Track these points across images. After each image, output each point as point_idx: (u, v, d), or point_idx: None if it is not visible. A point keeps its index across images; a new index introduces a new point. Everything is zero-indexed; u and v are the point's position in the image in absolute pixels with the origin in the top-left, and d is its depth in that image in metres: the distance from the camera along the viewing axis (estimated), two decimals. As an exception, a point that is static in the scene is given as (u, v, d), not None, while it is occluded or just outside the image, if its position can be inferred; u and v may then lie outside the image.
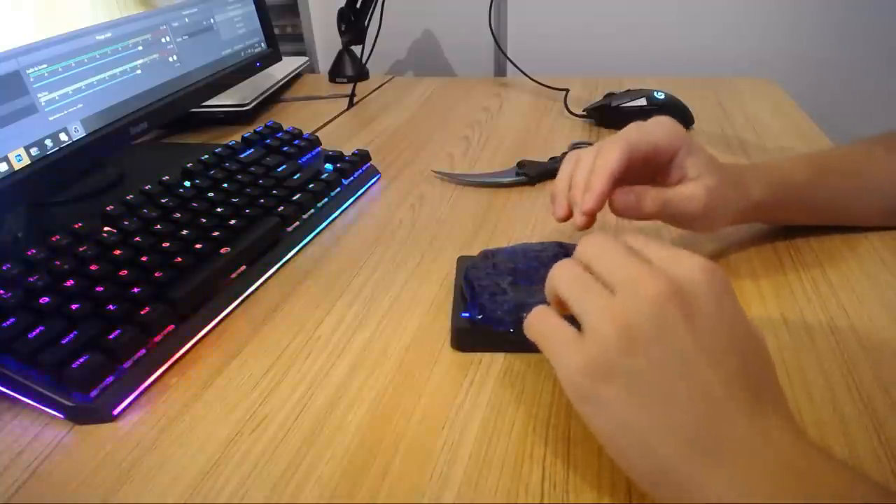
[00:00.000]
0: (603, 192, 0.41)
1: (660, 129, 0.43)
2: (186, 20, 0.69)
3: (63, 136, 0.52)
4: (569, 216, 0.43)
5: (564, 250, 0.46)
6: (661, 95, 0.77)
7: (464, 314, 0.41)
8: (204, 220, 0.52)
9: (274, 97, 0.98)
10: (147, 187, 0.55)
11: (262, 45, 0.84)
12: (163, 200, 0.53)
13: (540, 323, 0.31)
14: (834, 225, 0.52)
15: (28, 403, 0.37)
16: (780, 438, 0.26)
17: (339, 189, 0.62)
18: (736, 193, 0.45)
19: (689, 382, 0.26)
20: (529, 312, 0.32)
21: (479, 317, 0.40)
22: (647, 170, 0.43)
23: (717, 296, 0.28)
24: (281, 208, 0.55)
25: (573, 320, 0.30)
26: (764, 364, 0.29)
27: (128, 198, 0.53)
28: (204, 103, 0.72)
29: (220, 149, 0.64)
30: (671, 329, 0.27)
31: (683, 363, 0.27)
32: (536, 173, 0.65)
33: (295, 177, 0.61)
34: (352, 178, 0.65)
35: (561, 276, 0.31)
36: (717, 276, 0.29)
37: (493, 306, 0.40)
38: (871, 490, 0.25)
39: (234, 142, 0.66)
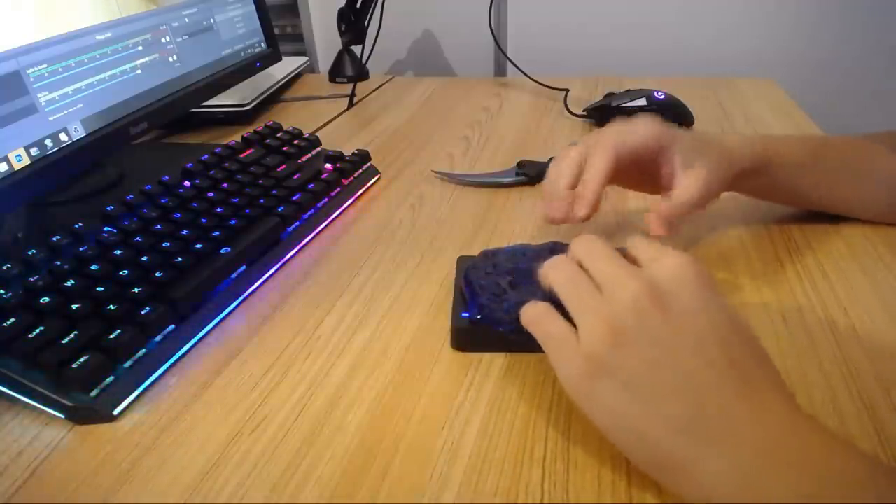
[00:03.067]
0: (594, 202, 0.44)
1: (641, 132, 0.45)
2: (186, 20, 0.69)
3: (63, 136, 0.52)
4: (564, 220, 0.45)
5: (564, 250, 0.46)
6: (661, 95, 0.76)
7: (464, 314, 0.41)
8: (204, 220, 0.52)
9: (274, 97, 0.98)
10: (147, 187, 0.55)
11: (262, 45, 0.84)
12: (163, 200, 0.53)
13: (542, 323, 0.33)
14: (826, 213, 0.52)
15: (28, 403, 0.37)
16: (772, 416, 0.28)
17: (339, 189, 0.62)
18: (723, 171, 0.46)
19: (675, 372, 0.28)
20: (528, 305, 0.34)
21: (479, 317, 0.40)
22: (634, 167, 0.46)
23: (691, 290, 0.30)
24: (281, 208, 0.55)
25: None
26: (750, 347, 0.30)
27: (128, 198, 0.53)
28: (204, 103, 0.72)
29: (220, 149, 0.64)
30: (651, 325, 0.29)
31: (667, 355, 0.29)
32: (536, 173, 0.65)
33: (295, 177, 0.61)
34: (352, 178, 0.65)
35: (557, 278, 0.34)
36: (691, 272, 0.31)
37: (493, 306, 0.40)
38: (860, 461, 0.26)
39: (234, 142, 0.66)
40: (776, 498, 0.25)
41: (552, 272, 0.34)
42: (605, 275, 0.32)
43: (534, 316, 0.34)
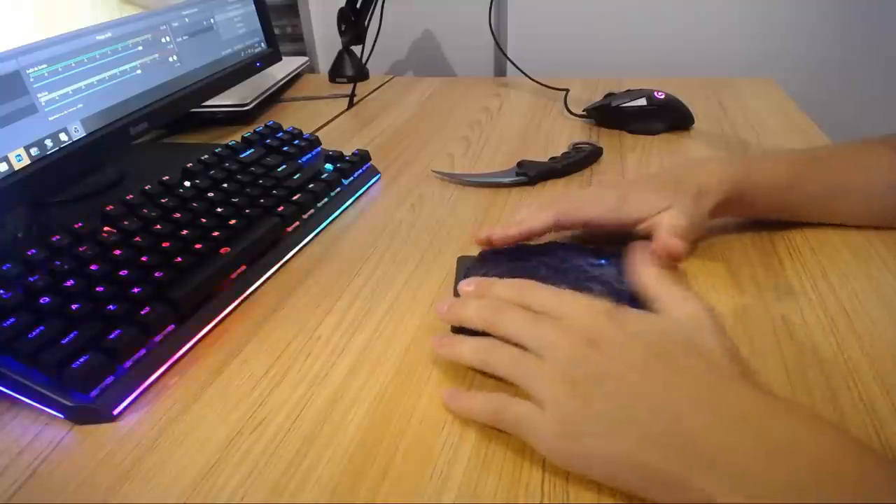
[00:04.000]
0: (510, 238, 0.47)
1: (593, 208, 0.48)
2: (186, 20, 0.69)
3: (63, 136, 0.52)
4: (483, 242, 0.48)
5: (564, 250, 0.46)
6: (661, 95, 0.76)
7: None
8: (204, 220, 0.52)
9: (274, 97, 0.98)
10: (147, 187, 0.55)
11: (262, 45, 0.84)
12: (163, 200, 0.53)
13: (502, 412, 0.34)
14: (818, 223, 0.52)
15: (28, 403, 0.37)
16: (747, 415, 0.28)
17: (339, 189, 0.62)
18: (698, 209, 0.46)
19: (637, 398, 0.29)
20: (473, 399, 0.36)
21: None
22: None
23: (613, 323, 0.33)
24: (281, 208, 0.55)
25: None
26: (688, 349, 0.31)
27: (128, 198, 0.53)
28: (204, 103, 0.72)
29: (220, 149, 0.64)
30: (597, 366, 0.31)
31: (622, 386, 0.30)
32: (536, 173, 0.65)
33: (295, 177, 0.61)
34: (352, 178, 0.65)
35: (497, 362, 0.35)
36: (603, 307, 0.34)
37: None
38: (843, 438, 0.27)
39: (234, 142, 0.66)
40: (778, 494, 0.25)
41: (490, 357, 0.35)
42: (532, 338, 0.34)
43: (491, 410, 0.34)
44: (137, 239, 0.48)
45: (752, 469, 0.26)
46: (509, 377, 0.34)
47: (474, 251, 0.49)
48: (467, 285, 0.40)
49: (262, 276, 0.50)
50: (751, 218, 0.53)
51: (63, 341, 0.38)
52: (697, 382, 0.30)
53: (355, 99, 0.97)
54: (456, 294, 0.44)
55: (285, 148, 0.67)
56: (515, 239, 0.47)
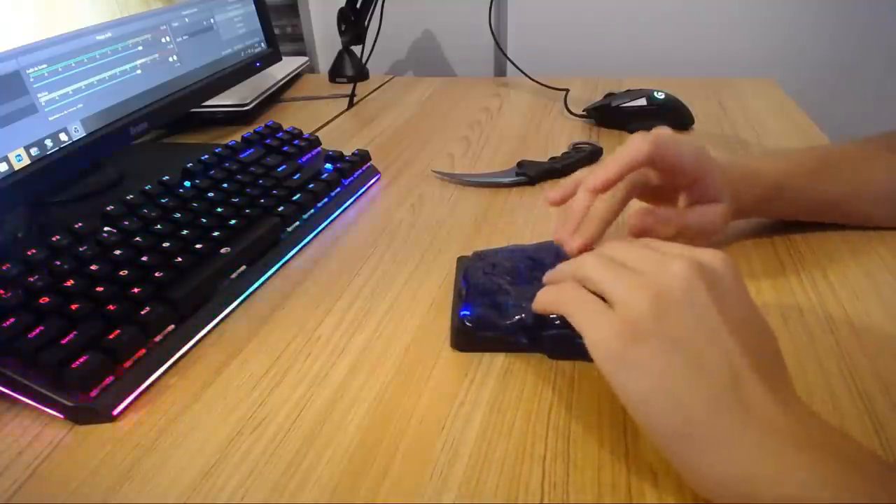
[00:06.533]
0: (612, 178, 0.40)
1: (686, 151, 0.43)
2: (186, 20, 0.69)
3: (63, 136, 0.53)
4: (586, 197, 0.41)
5: (562, 250, 0.46)
6: (661, 95, 0.76)
7: (462, 313, 0.41)
8: (204, 220, 0.52)
9: (274, 97, 0.98)
10: (147, 187, 0.55)
11: (262, 45, 0.84)
12: (163, 200, 0.53)
13: (566, 292, 0.33)
14: (834, 223, 0.52)
15: (28, 403, 0.37)
16: (797, 407, 0.28)
17: (339, 189, 0.62)
18: (734, 203, 0.46)
19: (716, 348, 0.28)
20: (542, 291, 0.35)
21: (479, 317, 0.40)
22: (665, 176, 0.44)
23: (734, 278, 0.31)
24: (281, 208, 0.55)
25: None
26: (772, 347, 0.31)
27: (128, 198, 0.52)
28: (204, 103, 0.72)
29: (220, 149, 0.64)
30: (699, 299, 0.29)
31: (711, 330, 0.29)
32: (536, 173, 0.65)
33: (295, 177, 0.61)
34: (352, 178, 0.65)
35: (586, 262, 0.33)
36: (733, 263, 0.31)
37: (492, 306, 0.40)
38: (877, 460, 0.27)
39: (234, 142, 0.66)
40: (808, 486, 0.25)
41: (581, 260, 0.33)
42: (647, 259, 0.31)
43: (555, 295, 0.33)
44: (137, 239, 0.48)
45: (788, 449, 0.26)
46: (595, 275, 0.32)
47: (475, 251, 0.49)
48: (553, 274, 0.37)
49: (262, 276, 0.50)
50: (773, 218, 0.53)
51: (63, 341, 0.38)
52: (762, 356, 0.29)
53: (355, 99, 0.97)
54: (458, 295, 0.44)
55: (285, 148, 0.67)
56: (618, 175, 0.40)
